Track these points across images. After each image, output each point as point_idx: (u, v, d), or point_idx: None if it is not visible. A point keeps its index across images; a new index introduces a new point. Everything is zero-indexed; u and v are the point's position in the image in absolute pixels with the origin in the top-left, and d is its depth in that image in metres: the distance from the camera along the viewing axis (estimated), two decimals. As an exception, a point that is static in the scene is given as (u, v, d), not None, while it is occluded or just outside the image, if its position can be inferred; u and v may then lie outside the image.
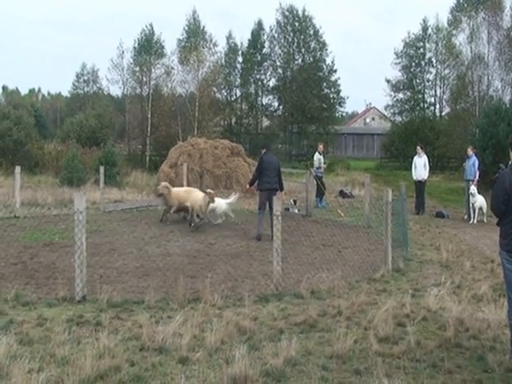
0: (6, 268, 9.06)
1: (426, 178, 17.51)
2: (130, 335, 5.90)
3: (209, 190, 13.43)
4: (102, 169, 17.96)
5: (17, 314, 6.62)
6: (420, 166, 17.38)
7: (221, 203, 14.02)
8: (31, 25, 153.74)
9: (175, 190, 14.37)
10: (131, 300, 7.21)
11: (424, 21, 45.30)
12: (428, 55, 45.48)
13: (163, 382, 4.80)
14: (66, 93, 77.35)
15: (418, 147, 18.00)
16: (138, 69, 44.36)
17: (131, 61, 44.70)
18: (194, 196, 13.62)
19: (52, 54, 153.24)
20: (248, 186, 13.37)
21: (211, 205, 13.36)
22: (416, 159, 17.63)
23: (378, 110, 67.65)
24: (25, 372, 4.79)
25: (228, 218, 14.43)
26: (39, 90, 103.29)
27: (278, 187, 12.67)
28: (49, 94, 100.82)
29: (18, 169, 15.47)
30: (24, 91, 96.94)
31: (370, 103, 75.36)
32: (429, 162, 17.94)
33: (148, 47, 44.17)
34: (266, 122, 50.95)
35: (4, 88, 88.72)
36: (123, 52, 44.69)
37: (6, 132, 30.82)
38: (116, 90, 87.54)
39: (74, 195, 7.63)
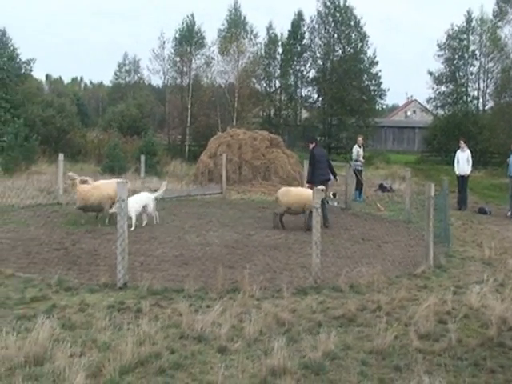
0: (49, 253, 9.27)
1: (468, 172, 17.15)
2: (170, 323, 5.96)
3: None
4: (142, 158, 18.24)
5: (59, 299, 6.78)
6: (463, 161, 17.03)
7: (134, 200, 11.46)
8: (74, 14, 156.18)
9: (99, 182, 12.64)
10: (171, 288, 7.28)
11: (468, 12, 44.14)
12: (472, 48, 44.31)
13: (202, 371, 4.84)
14: (107, 82, 78.62)
15: (461, 141, 17.63)
16: (178, 59, 44.67)
17: (172, 51, 45.03)
18: (102, 191, 11.93)
19: (95, 44, 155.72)
20: (309, 185, 12.84)
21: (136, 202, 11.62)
22: (459, 153, 17.28)
23: (419, 103, 66.63)
24: (67, 356, 4.90)
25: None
26: (82, 79, 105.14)
27: (330, 176, 13.09)
28: (91, 83, 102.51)
29: (61, 156, 15.78)
30: (67, 80, 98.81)
31: (412, 96, 74.32)
32: (472, 156, 17.57)
33: (189, 37, 44.39)
34: (305, 114, 50.68)
35: (47, 76, 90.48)
36: (164, 42, 45.02)
37: (50, 120, 31.46)
38: (157, 80, 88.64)
39: (117, 184, 7.73)
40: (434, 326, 6.01)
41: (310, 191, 12.08)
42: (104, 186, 12.21)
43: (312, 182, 12.64)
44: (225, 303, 6.54)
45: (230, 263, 8.84)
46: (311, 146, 13.24)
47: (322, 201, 12.03)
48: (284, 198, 12.36)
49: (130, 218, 10.70)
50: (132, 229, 10.90)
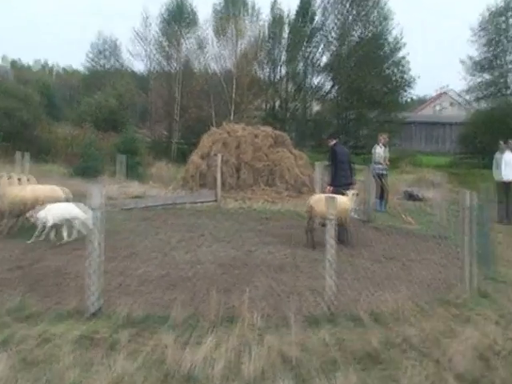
0: (8, 273, 9.20)
1: (511, 178, 17.08)
2: (153, 359, 5.87)
3: None
4: (121, 158, 18.19)
5: (19, 328, 6.66)
6: (506, 165, 16.97)
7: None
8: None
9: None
10: (154, 316, 7.20)
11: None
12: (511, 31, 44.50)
13: (191, 419, 4.75)
14: (80, 67, 78.73)
15: (501, 142, 17.60)
16: (165, 41, 44.78)
17: (158, 31, 45.16)
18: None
19: (66, 26, 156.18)
20: (330, 188, 13.01)
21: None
22: (498, 156, 17.23)
23: (452, 95, 66.76)
24: (27, 398, 4.80)
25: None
26: (52, 65, 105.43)
27: (353, 181, 13.40)
28: (63, 70, 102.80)
29: (26, 156, 15.75)
30: (37, 67, 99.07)
31: (446, 85, 74.40)
32: (516, 159, 17.49)
33: (178, 15, 44.48)
34: (316, 107, 50.85)
35: (13, 63, 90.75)
36: (147, 19, 45.15)
37: (12, 112, 31.49)
38: (139, 66, 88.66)
39: (91, 189, 7.64)
40: (473, 365, 5.91)
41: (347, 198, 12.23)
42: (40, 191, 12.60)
43: (335, 185, 12.87)
44: (219, 335, 6.46)
45: (225, 286, 8.76)
46: (332, 142, 13.52)
47: None
48: (319, 206, 11.56)
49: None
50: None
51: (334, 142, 13.59)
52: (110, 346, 6.21)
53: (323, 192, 13.43)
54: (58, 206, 12.16)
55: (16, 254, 10.60)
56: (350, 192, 12.61)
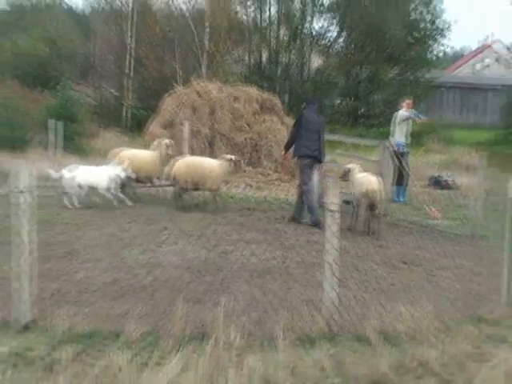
0: None
1: None
2: (102, 384, 6.10)
3: None
4: (55, 124, 18.19)
5: None
6: None
7: None
8: None
9: None
10: (102, 331, 7.36)
11: None
12: None
13: None
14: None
15: None
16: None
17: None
18: None
19: None
20: (284, 153, 15.24)
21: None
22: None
23: (497, 51, 66.76)
24: None
25: None
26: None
27: (319, 156, 14.79)
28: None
29: None
30: None
31: (489, 36, 74.45)
32: None
33: None
34: (317, 62, 50.62)
35: None
36: None
37: None
38: (78, 1, 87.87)
39: (13, 165, 7.72)
40: (507, 397, 6.19)
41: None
42: None
43: (295, 155, 14.96)
44: (187, 355, 6.59)
45: (194, 295, 8.96)
46: (303, 106, 15.36)
47: (309, 180, 14.37)
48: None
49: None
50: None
51: (306, 106, 15.29)
52: (49, 366, 6.37)
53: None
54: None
55: None
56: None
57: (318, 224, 13.90)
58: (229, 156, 16.07)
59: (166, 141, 16.61)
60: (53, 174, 15.17)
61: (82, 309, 8.05)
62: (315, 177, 14.86)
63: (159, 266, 10.53)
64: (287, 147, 15.35)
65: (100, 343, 7.09)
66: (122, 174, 14.93)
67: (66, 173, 14.97)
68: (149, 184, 17.16)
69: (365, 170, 14.70)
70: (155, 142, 16.73)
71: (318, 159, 14.73)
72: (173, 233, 12.92)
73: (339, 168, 15.67)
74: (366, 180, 13.86)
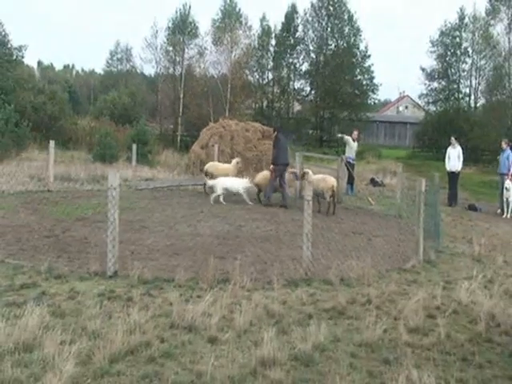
0: (39, 241, 9.21)
1: (459, 169, 17.27)
2: (160, 312, 5.95)
3: None
4: (134, 147, 18.14)
5: (49, 286, 6.73)
6: (454, 157, 17.15)
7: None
8: (67, 3, 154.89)
9: None
10: (161, 277, 7.26)
11: (461, 9, 44.34)
12: (464, 45, 44.52)
13: (192, 360, 4.84)
14: (99, 70, 78.09)
15: (453, 138, 17.79)
16: (171, 48, 44.51)
17: (165, 40, 44.89)
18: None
19: (87, 31, 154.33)
20: (273, 166, 14.75)
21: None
22: (450, 150, 17.39)
23: (411, 99, 66.76)
24: (57, 343, 4.86)
25: None
26: (73, 66, 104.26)
27: (288, 162, 15.06)
28: (83, 70, 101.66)
29: (52, 143, 15.67)
30: (58, 67, 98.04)
31: (404, 91, 74.47)
32: (463, 153, 17.63)
33: (182, 27, 44.18)
34: (297, 107, 50.67)
35: (39, 63, 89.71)
36: (157, 31, 44.90)
37: (41, 106, 31.26)
38: (149, 69, 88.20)
39: (108, 171, 7.70)
40: (423, 321, 6.03)
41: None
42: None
43: (276, 164, 14.58)
44: (215, 294, 6.51)
45: (220, 254, 8.80)
46: (275, 133, 15.22)
47: (282, 181, 14.61)
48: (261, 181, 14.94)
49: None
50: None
51: (277, 132, 15.13)
52: (126, 301, 6.29)
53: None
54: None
55: (50, 224, 10.61)
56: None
57: (286, 206, 14.15)
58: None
59: (237, 159, 16.60)
60: (209, 182, 15.12)
61: (149, 263, 7.91)
62: (285, 175, 14.95)
63: (198, 235, 10.41)
64: (274, 163, 14.76)
65: (159, 286, 7.00)
66: (249, 184, 14.65)
67: (211, 181, 14.93)
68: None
69: (324, 174, 14.72)
70: (233, 161, 16.47)
71: (288, 164, 15.08)
72: (207, 214, 12.75)
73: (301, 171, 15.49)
74: (329, 179, 13.79)
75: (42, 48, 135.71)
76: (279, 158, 14.61)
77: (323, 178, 13.90)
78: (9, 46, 34.94)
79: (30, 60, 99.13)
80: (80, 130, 31.96)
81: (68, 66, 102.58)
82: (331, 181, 13.70)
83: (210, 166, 16.42)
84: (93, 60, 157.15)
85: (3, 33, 34.89)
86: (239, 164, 16.38)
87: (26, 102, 30.85)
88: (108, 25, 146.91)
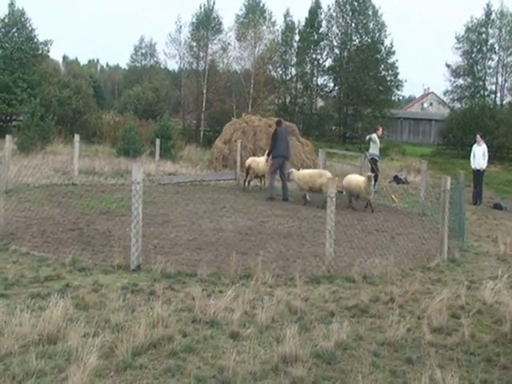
0: (63, 233, 9.30)
1: (484, 167, 17.01)
2: (183, 306, 5.97)
3: None
4: (157, 141, 18.22)
5: (73, 279, 6.81)
6: (479, 155, 16.90)
7: None
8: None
9: None
10: (184, 272, 7.29)
11: (488, 5, 43.62)
12: (490, 41, 43.81)
13: (214, 355, 4.84)
14: (124, 65, 78.75)
15: (478, 136, 17.51)
16: (195, 44, 44.66)
17: (189, 36, 45.11)
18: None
19: (112, 27, 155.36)
20: (267, 158, 15.15)
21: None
22: (475, 148, 17.14)
23: (436, 96, 66.05)
24: (80, 335, 4.91)
25: None
26: (98, 61, 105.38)
27: (288, 156, 15.12)
28: (107, 65, 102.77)
29: (77, 137, 15.83)
30: (83, 62, 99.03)
31: (429, 88, 73.68)
32: (488, 151, 17.38)
33: (206, 22, 44.30)
34: (320, 103, 50.47)
35: (64, 58, 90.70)
36: (181, 27, 45.10)
37: (66, 101, 31.66)
38: (173, 65, 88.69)
39: (133, 166, 7.73)
40: (446, 320, 5.95)
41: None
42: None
43: (274, 156, 14.78)
44: (237, 289, 6.51)
45: (243, 249, 8.82)
46: (275, 126, 15.45)
47: (282, 174, 14.71)
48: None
49: None
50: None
51: (276, 126, 15.30)
52: (149, 294, 6.32)
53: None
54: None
55: (74, 217, 10.72)
56: (368, 174, 13.93)
57: (272, 198, 14.41)
58: None
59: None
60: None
61: (171, 257, 7.94)
62: (285, 168, 14.76)
63: (221, 230, 10.43)
64: (270, 153, 15.06)
65: (182, 280, 7.03)
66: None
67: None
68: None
69: (349, 173, 14.65)
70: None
71: (287, 158, 15.00)
72: (229, 210, 12.78)
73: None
74: (326, 173, 13.88)
75: (67, 43, 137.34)
76: (277, 150, 14.72)
77: (320, 174, 14.01)
78: (35, 40, 35.42)
79: (56, 55, 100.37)
80: (104, 125, 32.23)
81: (93, 60, 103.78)
82: (329, 175, 13.60)
83: (252, 161, 16.19)
84: (117, 55, 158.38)
85: (30, 28, 35.41)
86: None
87: (52, 96, 31.25)
88: (133, 20, 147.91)
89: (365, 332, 5.60)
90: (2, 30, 34.43)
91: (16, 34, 34.48)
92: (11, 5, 35.20)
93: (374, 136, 18.16)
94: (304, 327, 5.58)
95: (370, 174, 14.10)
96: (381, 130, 18.85)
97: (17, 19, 34.62)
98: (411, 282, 7.33)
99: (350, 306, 6.33)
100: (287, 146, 15.12)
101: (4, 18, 34.70)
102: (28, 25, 35.39)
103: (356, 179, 13.82)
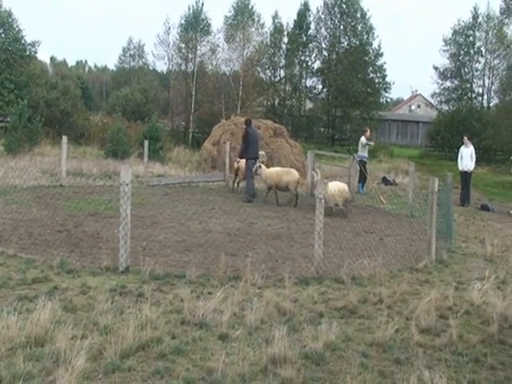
0: (51, 235, 9.25)
1: (471, 169, 17.14)
2: (172, 308, 5.95)
3: None
4: (146, 143, 18.17)
5: (61, 281, 6.76)
6: (466, 157, 17.02)
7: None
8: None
9: None
10: (173, 274, 7.27)
11: (475, 8, 43.97)
12: (478, 44, 44.16)
13: (203, 357, 4.83)
14: (112, 66, 78.45)
15: (465, 137, 17.64)
16: (183, 45, 44.59)
17: (177, 37, 45.03)
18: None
19: (99, 28, 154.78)
20: (239, 160, 15.18)
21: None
22: (462, 149, 17.26)
23: (423, 98, 66.42)
24: (68, 338, 4.87)
25: None
26: (86, 62, 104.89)
27: (259, 154, 15.16)
28: (95, 66, 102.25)
29: (64, 138, 15.74)
30: (71, 63, 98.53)
31: (416, 90, 74.11)
32: (475, 153, 17.50)
33: (194, 24, 44.26)
34: (309, 105, 50.59)
35: (52, 59, 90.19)
36: (169, 28, 45.01)
37: (54, 102, 31.49)
38: (161, 66, 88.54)
39: (121, 167, 7.69)
40: (435, 321, 5.98)
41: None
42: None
43: (245, 157, 14.72)
44: (226, 290, 6.50)
45: (232, 251, 8.82)
46: (246, 126, 15.30)
47: (250, 173, 14.54)
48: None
49: None
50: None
51: (247, 126, 15.19)
52: (137, 296, 6.30)
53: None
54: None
55: (62, 219, 10.65)
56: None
57: (251, 200, 14.34)
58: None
59: (262, 152, 16.03)
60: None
61: (160, 259, 7.93)
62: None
63: (210, 231, 10.41)
64: (242, 155, 15.03)
65: (171, 282, 7.02)
66: None
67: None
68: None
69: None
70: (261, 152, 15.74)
71: (257, 158, 14.98)
72: (218, 211, 12.77)
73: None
74: (294, 172, 14.45)
75: (55, 44, 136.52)
76: (250, 152, 14.75)
77: (287, 171, 14.42)
78: (22, 41, 35.24)
79: (43, 56, 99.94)
80: (92, 126, 32.10)
81: (81, 61, 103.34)
82: (296, 174, 14.22)
83: (241, 162, 15.77)
84: (105, 56, 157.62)
85: (17, 28, 35.23)
86: (261, 158, 15.80)
87: (39, 98, 31.08)
88: (121, 21, 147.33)
89: (353, 333, 5.62)
90: (-11, 30, 34.22)
91: (3, 35, 34.32)
92: (-2, 5, 35.01)
93: (363, 138, 18.29)
94: (293, 328, 5.58)
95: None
96: (369, 131, 19.01)
97: (4, 20, 34.45)
98: (399, 283, 7.37)
99: (338, 307, 6.34)
100: (258, 146, 15.32)
101: (-9, 18, 34.49)
102: (15, 25, 35.22)
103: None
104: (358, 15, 46.34)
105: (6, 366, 4.34)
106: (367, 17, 46.34)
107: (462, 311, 6.40)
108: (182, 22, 44.87)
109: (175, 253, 8.59)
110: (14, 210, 11.23)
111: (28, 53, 36.01)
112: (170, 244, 9.15)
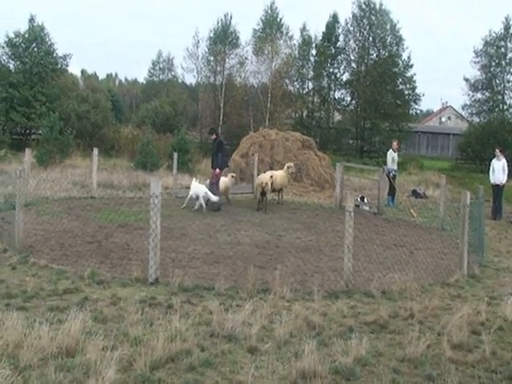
0: (82, 246, 9.37)
1: (504, 182, 16.84)
2: (201, 320, 5.97)
3: None
4: (175, 155, 18.31)
5: (92, 292, 6.85)
6: (498, 170, 16.74)
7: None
8: (111, 14, 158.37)
9: None
10: (202, 286, 7.30)
11: (506, 19, 43.47)
12: (509, 55, 43.64)
13: (232, 370, 4.83)
14: (141, 79, 79.56)
15: (497, 150, 17.36)
16: (212, 58, 44.99)
17: (206, 50, 45.50)
18: None
19: (130, 42, 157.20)
20: (219, 171, 14.59)
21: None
22: (494, 162, 16.99)
23: (454, 110, 65.71)
24: (99, 349, 4.92)
25: None
26: (116, 75, 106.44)
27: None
28: (126, 79, 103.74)
29: (95, 150, 15.98)
30: (102, 76, 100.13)
31: (447, 102, 73.40)
32: (507, 165, 17.21)
33: (223, 37, 44.68)
34: (337, 117, 50.48)
35: (83, 72, 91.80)
36: (198, 41, 45.49)
37: (85, 114, 31.99)
38: (190, 79, 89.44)
39: (151, 179, 7.78)
40: (467, 337, 5.87)
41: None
42: None
43: (221, 168, 14.71)
44: (255, 303, 6.50)
45: (260, 263, 8.81)
46: (214, 137, 15.12)
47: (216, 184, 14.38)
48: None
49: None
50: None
51: (215, 136, 15.01)
52: (167, 308, 6.33)
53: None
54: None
55: (93, 230, 10.79)
56: (229, 175, 15.59)
57: (219, 209, 14.23)
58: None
59: (290, 164, 16.31)
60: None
61: (189, 270, 7.99)
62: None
63: (238, 243, 10.43)
64: (221, 168, 14.61)
65: (199, 294, 7.04)
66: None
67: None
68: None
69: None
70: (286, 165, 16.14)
71: (228, 167, 15.99)
72: (246, 223, 12.78)
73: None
74: (262, 176, 15.22)
75: (86, 57, 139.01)
76: (225, 161, 15.41)
77: (258, 177, 15.24)
78: (54, 55, 36.02)
79: (74, 69, 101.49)
80: (122, 138, 32.52)
81: (111, 74, 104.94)
82: (262, 178, 14.78)
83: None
84: (135, 69, 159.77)
85: (49, 42, 36.03)
86: (290, 169, 16.06)
87: (70, 110, 31.62)
88: (151, 35, 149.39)
89: (384, 348, 5.56)
90: (22, 44, 35.08)
91: (36, 49, 35.12)
92: (31, 20, 35.91)
93: (390, 151, 18.23)
94: (322, 342, 5.54)
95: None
96: (395, 143, 18.89)
97: (36, 34, 35.27)
98: (431, 298, 7.26)
99: (368, 322, 6.28)
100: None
101: (24, 33, 35.36)
102: (47, 39, 36.05)
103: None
104: (388, 27, 46.20)
105: (37, 376, 4.41)
106: (397, 28, 46.18)
107: (495, 327, 6.27)
108: (211, 35, 45.40)
109: (204, 265, 8.62)
110: (46, 221, 11.41)
111: (60, 66, 36.80)
112: (198, 256, 9.18)
